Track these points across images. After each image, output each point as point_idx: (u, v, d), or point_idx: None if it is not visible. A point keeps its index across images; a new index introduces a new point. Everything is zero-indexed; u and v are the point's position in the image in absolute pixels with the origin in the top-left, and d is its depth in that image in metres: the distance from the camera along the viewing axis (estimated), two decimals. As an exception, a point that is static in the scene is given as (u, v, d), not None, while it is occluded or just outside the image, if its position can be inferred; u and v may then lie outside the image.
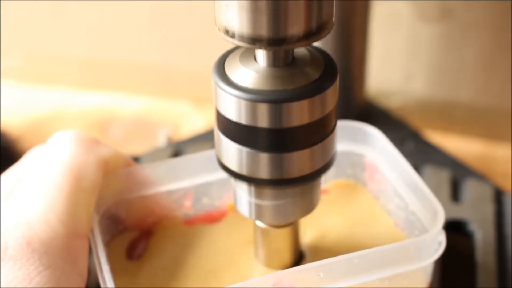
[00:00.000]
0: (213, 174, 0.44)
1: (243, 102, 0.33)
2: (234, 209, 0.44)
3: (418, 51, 0.63)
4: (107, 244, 0.42)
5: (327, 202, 0.45)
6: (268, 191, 0.36)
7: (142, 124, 0.67)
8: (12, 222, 0.35)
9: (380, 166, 0.44)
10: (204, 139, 0.57)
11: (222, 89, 0.33)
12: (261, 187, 0.36)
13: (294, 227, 0.40)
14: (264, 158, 0.34)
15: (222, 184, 0.44)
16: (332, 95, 0.34)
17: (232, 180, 0.37)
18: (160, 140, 0.63)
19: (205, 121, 0.66)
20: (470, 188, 0.51)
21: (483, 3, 0.58)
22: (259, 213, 0.37)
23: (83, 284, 0.36)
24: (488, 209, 0.49)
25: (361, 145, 0.45)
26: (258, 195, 0.37)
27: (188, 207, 0.44)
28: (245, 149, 0.34)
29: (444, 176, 0.52)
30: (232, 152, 0.35)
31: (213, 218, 0.44)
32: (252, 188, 0.37)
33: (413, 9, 0.61)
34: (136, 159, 0.55)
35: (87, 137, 0.40)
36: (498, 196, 0.51)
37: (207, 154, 0.43)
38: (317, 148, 0.35)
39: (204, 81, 0.54)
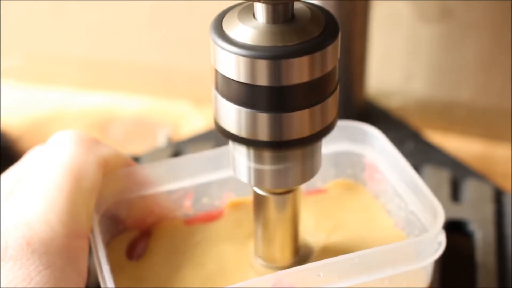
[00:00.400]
0: (213, 174, 0.44)
1: (241, 59, 0.32)
2: (233, 206, 0.45)
3: (418, 51, 0.63)
4: (107, 244, 0.42)
5: (327, 202, 0.45)
6: (267, 155, 0.35)
7: (142, 124, 0.67)
8: (12, 222, 0.35)
9: (380, 166, 0.44)
10: (204, 139, 0.57)
11: (220, 46, 0.32)
12: (260, 150, 0.35)
13: (294, 196, 0.39)
14: (263, 118, 0.33)
15: (222, 184, 0.44)
16: (333, 53, 0.33)
17: (231, 145, 0.36)
18: (160, 140, 0.63)
19: (205, 121, 0.66)
20: (470, 188, 0.51)
21: (483, 3, 0.58)
22: (258, 178, 0.36)
23: (83, 284, 0.36)
24: (488, 209, 0.49)
25: (361, 145, 0.45)
26: (258, 159, 0.35)
27: (188, 207, 0.44)
28: (244, 110, 0.33)
29: (444, 176, 0.52)
30: (231, 114, 0.34)
31: (213, 218, 0.44)
32: (251, 152, 0.35)
33: (413, 9, 0.61)
34: (136, 159, 0.55)
35: (87, 137, 0.40)
36: (498, 196, 0.51)
37: (207, 154, 0.43)
38: (317, 108, 0.34)
39: (204, 81, 0.54)
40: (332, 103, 0.35)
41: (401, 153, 0.43)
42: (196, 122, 0.66)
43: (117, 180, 0.42)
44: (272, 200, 0.38)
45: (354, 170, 0.46)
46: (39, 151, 0.41)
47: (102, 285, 0.36)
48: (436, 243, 0.37)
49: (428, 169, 0.53)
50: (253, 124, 0.34)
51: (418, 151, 0.56)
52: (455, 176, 0.52)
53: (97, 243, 0.38)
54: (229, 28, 0.33)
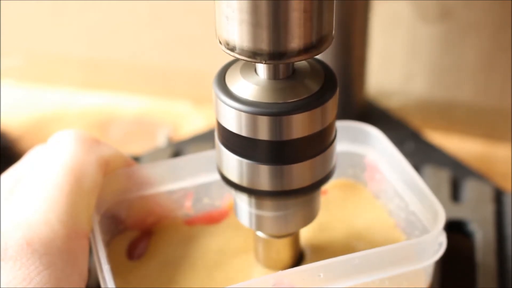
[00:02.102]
0: (213, 174, 0.43)
1: (243, 115, 0.33)
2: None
3: (418, 51, 0.63)
4: (108, 244, 0.42)
5: (328, 202, 0.45)
6: (268, 203, 0.36)
7: (142, 124, 0.67)
8: (12, 222, 0.35)
9: (381, 166, 0.44)
10: (204, 139, 0.57)
11: (222, 101, 0.33)
12: (261, 198, 0.36)
13: (294, 235, 0.40)
14: (264, 170, 0.34)
15: (222, 184, 0.44)
16: (332, 107, 0.34)
17: (233, 191, 0.37)
18: (160, 140, 0.63)
19: (205, 121, 0.66)
20: (470, 188, 0.51)
21: (483, 3, 0.59)
22: (259, 223, 0.37)
23: (83, 284, 0.36)
24: (488, 209, 0.49)
25: (362, 145, 0.45)
26: (259, 206, 0.37)
27: (188, 207, 0.44)
28: (245, 161, 0.34)
29: (444, 176, 0.52)
30: (233, 164, 0.35)
31: (213, 218, 0.44)
32: (253, 199, 0.37)
33: (413, 9, 0.61)
34: (136, 159, 0.55)
35: (87, 136, 0.40)
36: (498, 196, 0.51)
37: (207, 154, 0.43)
38: (317, 159, 0.35)
39: (204, 81, 0.54)
40: (331, 152, 0.36)
41: (401, 153, 0.42)
42: (196, 122, 0.67)
43: (117, 180, 0.42)
44: (273, 243, 0.39)
45: (354, 170, 0.46)
46: (39, 151, 0.41)
47: (102, 285, 0.36)
48: (436, 244, 0.37)
49: (428, 169, 0.53)
50: (254, 174, 0.35)
51: (418, 151, 0.56)
52: (455, 176, 0.52)
53: (97, 243, 0.38)
54: (231, 83, 0.34)
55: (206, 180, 0.44)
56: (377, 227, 0.43)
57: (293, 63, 0.34)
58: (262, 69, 0.34)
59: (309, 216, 0.38)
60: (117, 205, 0.42)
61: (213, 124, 0.36)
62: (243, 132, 0.33)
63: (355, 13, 0.54)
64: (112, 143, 0.43)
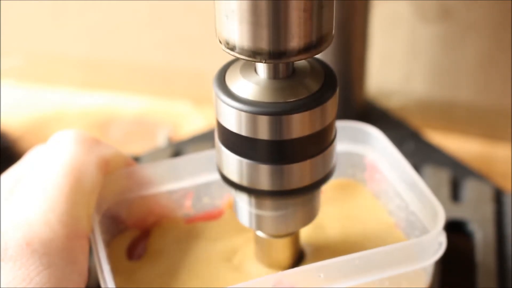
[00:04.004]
0: (213, 174, 0.43)
1: (243, 114, 0.33)
2: (232, 206, 0.45)
3: (418, 51, 0.63)
4: (108, 244, 0.42)
5: (328, 202, 0.45)
6: (268, 202, 0.36)
7: (142, 124, 0.67)
8: (12, 223, 0.35)
9: (381, 166, 0.44)
10: (204, 139, 0.57)
11: (222, 101, 0.33)
12: (261, 198, 0.36)
13: (294, 235, 0.40)
14: (264, 169, 0.34)
15: (222, 184, 0.44)
16: (332, 107, 0.34)
17: (233, 191, 0.37)
18: (160, 140, 0.63)
19: (205, 121, 0.66)
20: (470, 188, 0.51)
21: (483, 3, 0.59)
22: (259, 223, 0.38)
23: (83, 284, 0.36)
24: (488, 209, 0.49)
25: (362, 145, 0.45)
26: (259, 206, 0.37)
27: (188, 207, 0.44)
28: (245, 161, 0.34)
29: (444, 176, 0.52)
30: (233, 163, 0.35)
31: (213, 218, 0.44)
32: (253, 199, 0.37)
33: (413, 9, 0.61)
34: (136, 159, 0.55)
35: (87, 136, 0.40)
36: (498, 196, 0.51)
37: (207, 154, 0.43)
38: (317, 159, 0.35)
39: (204, 81, 0.54)
40: (331, 152, 0.36)
41: (401, 153, 0.42)
42: (196, 122, 0.66)
43: (117, 180, 0.42)
44: (273, 242, 0.39)
45: (354, 170, 0.46)
46: (39, 151, 0.41)
47: (102, 285, 0.36)
48: (436, 244, 0.37)
49: (428, 169, 0.53)
50: (254, 174, 0.35)
51: (418, 151, 0.56)
52: (455, 176, 0.52)
53: (97, 243, 0.38)
54: (231, 82, 0.34)
55: (206, 180, 0.44)
56: (377, 227, 0.43)
57: (293, 62, 0.34)
58: (262, 68, 0.34)
59: (309, 216, 0.38)
60: (117, 205, 0.42)
61: (213, 124, 0.36)
62: (243, 132, 0.33)
63: (355, 13, 0.54)
64: (112, 143, 0.43)
